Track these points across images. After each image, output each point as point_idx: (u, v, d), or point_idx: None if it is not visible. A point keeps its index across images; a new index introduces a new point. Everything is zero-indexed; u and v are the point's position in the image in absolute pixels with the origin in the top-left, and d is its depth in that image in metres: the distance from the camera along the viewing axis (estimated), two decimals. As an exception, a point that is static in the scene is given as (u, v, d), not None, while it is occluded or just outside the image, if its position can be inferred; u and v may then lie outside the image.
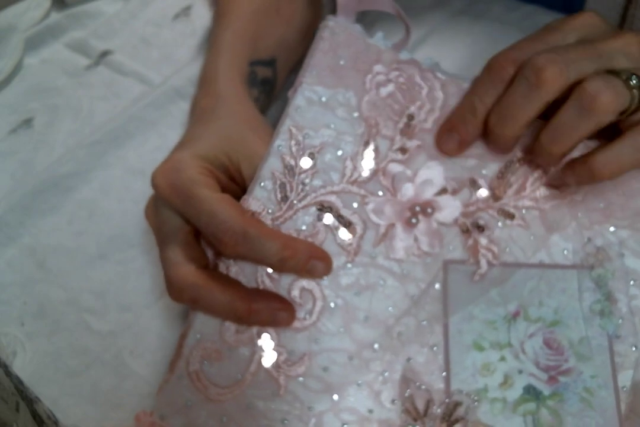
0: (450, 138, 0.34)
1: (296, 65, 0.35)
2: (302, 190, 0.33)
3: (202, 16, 0.53)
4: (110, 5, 0.56)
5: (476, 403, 0.32)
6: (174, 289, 0.32)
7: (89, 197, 0.45)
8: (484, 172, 0.35)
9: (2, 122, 0.49)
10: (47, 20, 0.55)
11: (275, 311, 0.31)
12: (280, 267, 0.32)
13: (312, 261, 0.31)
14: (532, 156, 0.34)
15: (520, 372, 0.32)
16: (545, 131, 0.32)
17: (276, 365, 0.32)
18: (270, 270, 0.32)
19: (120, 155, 0.46)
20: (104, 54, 0.52)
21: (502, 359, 0.33)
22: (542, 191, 0.35)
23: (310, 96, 0.34)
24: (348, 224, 0.33)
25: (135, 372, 0.38)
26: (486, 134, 0.34)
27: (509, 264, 0.34)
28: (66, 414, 0.36)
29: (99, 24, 0.54)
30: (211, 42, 0.44)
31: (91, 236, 0.43)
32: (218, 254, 0.33)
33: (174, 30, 0.53)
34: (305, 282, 0.32)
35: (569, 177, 0.33)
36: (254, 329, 0.32)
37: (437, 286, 0.33)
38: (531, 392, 0.32)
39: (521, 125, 0.32)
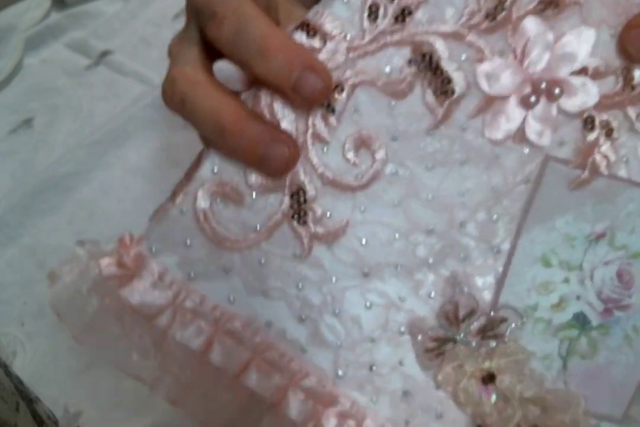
0: None
1: None
2: (400, 20, 0.25)
3: (202, 16, 0.53)
4: (110, 5, 0.56)
5: (522, 323, 0.28)
6: (169, 82, 0.27)
7: (89, 197, 0.45)
8: None
9: (2, 122, 0.49)
10: (47, 20, 0.55)
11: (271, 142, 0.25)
12: (260, 68, 0.25)
13: (302, 72, 0.24)
14: None
15: (578, 298, 0.29)
16: None
17: (306, 223, 0.27)
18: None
19: (120, 155, 0.46)
20: (104, 54, 0.52)
21: (566, 280, 0.29)
22: None
23: None
24: (446, 82, 0.26)
25: (135, 372, 0.38)
26: None
27: (619, 178, 0.28)
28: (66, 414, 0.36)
29: (99, 24, 0.54)
30: None
31: (91, 236, 0.43)
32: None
33: (174, 30, 0.53)
34: (365, 137, 0.26)
35: None
36: (287, 179, 0.26)
37: (526, 182, 0.28)
38: (580, 320, 0.29)
39: None
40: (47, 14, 0.55)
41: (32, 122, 0.49)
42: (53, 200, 0.44)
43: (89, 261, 0.27)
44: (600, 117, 0.28)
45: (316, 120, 0.26)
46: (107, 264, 0.27)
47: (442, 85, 0.26)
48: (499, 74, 0.27)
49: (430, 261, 0.28)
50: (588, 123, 0.28)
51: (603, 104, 0.28)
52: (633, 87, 0.28)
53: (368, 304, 0.28)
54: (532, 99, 0.27)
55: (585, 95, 0.27)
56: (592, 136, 0.28)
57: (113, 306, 0.27)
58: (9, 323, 0.39)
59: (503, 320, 0.28)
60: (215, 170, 0.26)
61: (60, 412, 0.36)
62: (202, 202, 0.27)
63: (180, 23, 0.30)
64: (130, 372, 0.28)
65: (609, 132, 0.28)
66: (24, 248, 0.42)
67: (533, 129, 0.27)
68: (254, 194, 0.27)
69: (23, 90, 0.51)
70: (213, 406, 0.28)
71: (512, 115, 0.27)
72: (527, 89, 0.27)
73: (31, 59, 0.53)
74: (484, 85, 0.27)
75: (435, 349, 0.28)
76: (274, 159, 0.26)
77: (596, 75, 0.27)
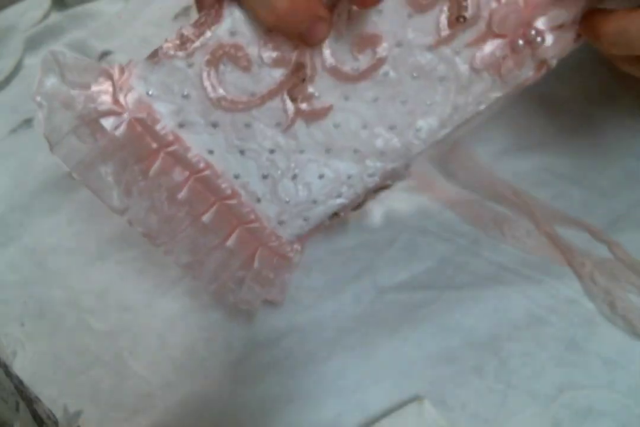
0: None
1: None
2: None
3: (202, 16, 0.53)
4: (111, 5, 0.56)
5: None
6: None
7: (89, 197, 0.45)
8: None
9: (2, 122, 0.49)
10: (47, 20, 0.55)
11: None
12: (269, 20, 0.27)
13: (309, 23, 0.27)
14: None
15: None
16: None
17: (296, 100, 0.30)
18: None
19: (120, 156, 0.46)
20: (104, 54, 0.52)
21: None
22: None
23: None
24: (463, 9, 0.29)
25: (135, 372, 0.38)
26: None
27: None
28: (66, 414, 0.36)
29: (99, 24, 0.54)
30: None
31: (91, 236, 0.43)
32: None
33: (174, 30, 0.53)
34: (376, 37, 0.30)
35: None
36: (294, 56, 0.29)
37: (478, 104, 0.32)
38: None
39: None
40: (47, 14, 0.55)
41: (32, 122, 0.49)
42: (53, 200, 0.44)
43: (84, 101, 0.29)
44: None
45: (341, 13, 0.29)
46: (102, 101, 0.29)
47: (458, 11, 0.29)
48: (507, 16, 0.29)
49: (383, 151, 0.32)
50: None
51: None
52: None
53: (321, 175, 0.33)
54: (520, 43, 0.30)
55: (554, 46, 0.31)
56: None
57: (105, 144, 0.29)
58: (9, 323, 0.40)
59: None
60: (234, 32, 0.28)
61: (60, 412, 0.36)
62: (212, 61, 0.29)
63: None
64: (111, 207, 0.31)
65: None
66: (24, 248, 0.42)
67: (507, 67, 0.31)
68: (262, 64, 0.29)
69: (23, 90, 0.51)
70: (174, 236, 0.32)
71: (498, 53, 0.30)
72: (519, 34, 0.30)
73: (31, 59, 0.53)
74: (494, 22, 0.29)
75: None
76: (315, 35, 0.28)
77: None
